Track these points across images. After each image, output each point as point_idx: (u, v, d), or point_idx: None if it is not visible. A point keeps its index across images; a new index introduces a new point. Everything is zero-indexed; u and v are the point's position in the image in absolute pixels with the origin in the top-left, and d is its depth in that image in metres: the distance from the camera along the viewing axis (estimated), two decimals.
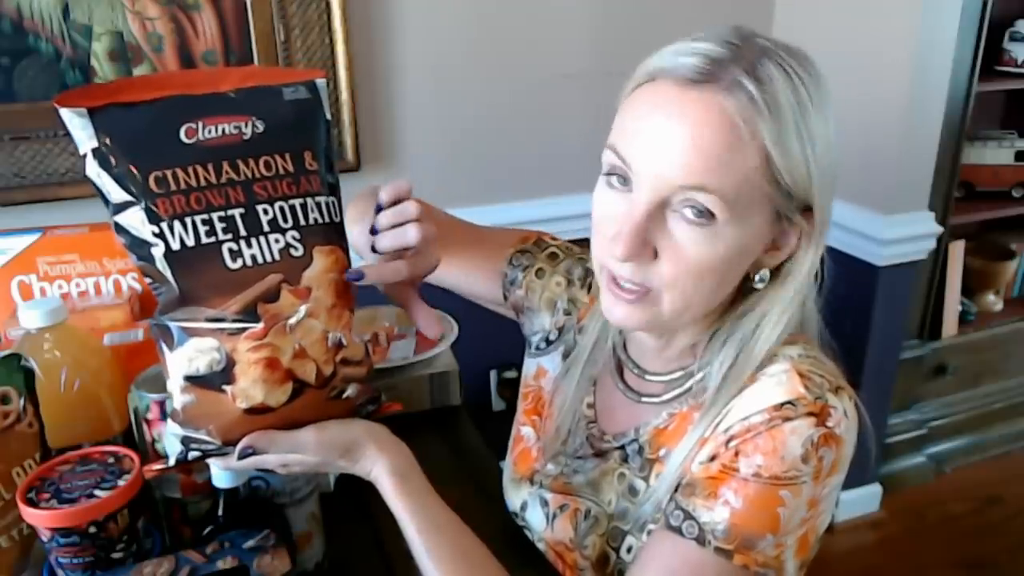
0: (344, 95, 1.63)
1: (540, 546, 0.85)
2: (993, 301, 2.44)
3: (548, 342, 0.91)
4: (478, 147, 1.82)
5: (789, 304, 0.71)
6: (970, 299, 2.38)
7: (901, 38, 1.73)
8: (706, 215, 0.63)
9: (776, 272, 0.71)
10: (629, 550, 0.75)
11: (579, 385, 0.84)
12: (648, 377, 0.79)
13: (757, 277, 0.71)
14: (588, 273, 0.91)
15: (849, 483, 2.14)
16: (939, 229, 1.93)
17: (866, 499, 2.19)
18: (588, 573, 0.79)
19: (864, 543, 2.10)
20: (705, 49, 0.63)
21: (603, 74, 1.76)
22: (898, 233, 1.84)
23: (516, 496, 0.89)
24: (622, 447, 0.79)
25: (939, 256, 2.14)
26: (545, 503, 0.85)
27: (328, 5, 1.57)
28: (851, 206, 1.87)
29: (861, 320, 1.94)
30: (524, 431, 0.91)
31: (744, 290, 0.72)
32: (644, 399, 0.79)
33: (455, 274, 0.96)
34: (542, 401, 0.91)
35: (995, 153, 2.28)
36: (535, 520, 0.86)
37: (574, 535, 0.81)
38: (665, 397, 0.77)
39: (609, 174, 0.68)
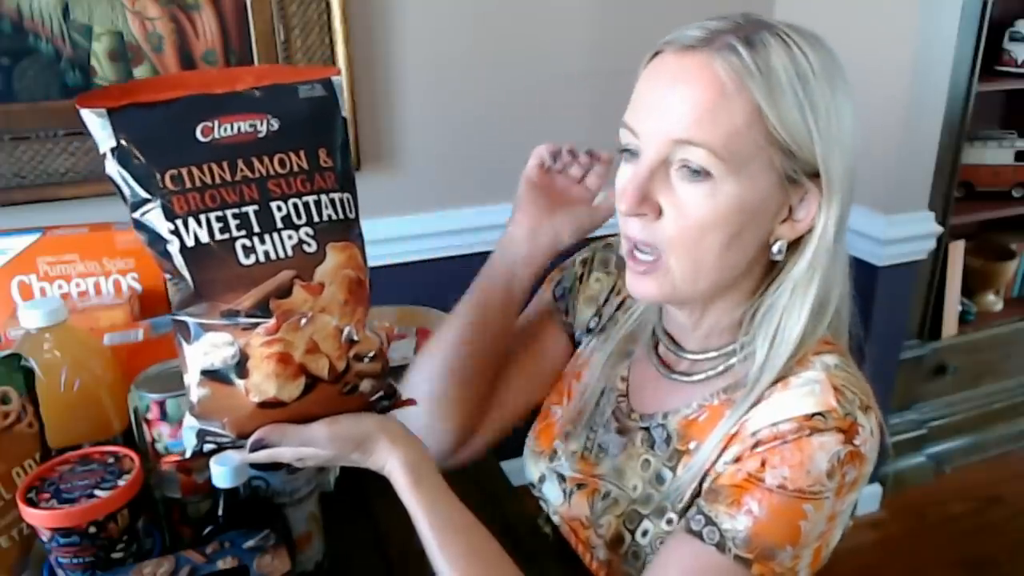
0: (344, 95, 1.63)
1: (555, 519, 0.86)
2: (993, 301, 2.44)
3: (589, 330, 0.92)
4: (478, 147, 1.82)
5: (808, 277, 0.71)
6: (970, 299, 2.38)
7: (901, 38, 1.73)
8: (702, 173, 0.66)
9: (798, 246, 0.72)
10: (644, 534, 0.76)
11: (614, 353, 0.86)
12: (683, 355, 0.80)
13: (775, 248, 0.72)
14: (619, 259, 0.91)
15: None
16: (939, 229, 1.93)
17: (866, 499, 2.19)
18: (601, 551, 0.79)
19: (864, 543, 2.10)
20: (708, 23, 0.68)
21: (603, 74, 1.76)
22: (898, 233, 1.84)
23: (535, 468, 0.90)
24: (647, 428, 0.80)
25: (939, 256, 2.14)
26: (563, 479, 0.86)
27: (328, 5, 1.57)
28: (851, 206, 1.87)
29: (861, 320, 1.94)
30: (553, 409, 0.91)
31: (772, 269, 0.74)
32: (675, 376, 0.80)
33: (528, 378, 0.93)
34: (575, 379, 0.91)
35: (995, 153, 2.28)
36: (552, 494, 0.87)
37: (589, 513, 0.81)
38: (697, 376, 0.78)
39: (623, 151, 0.72)
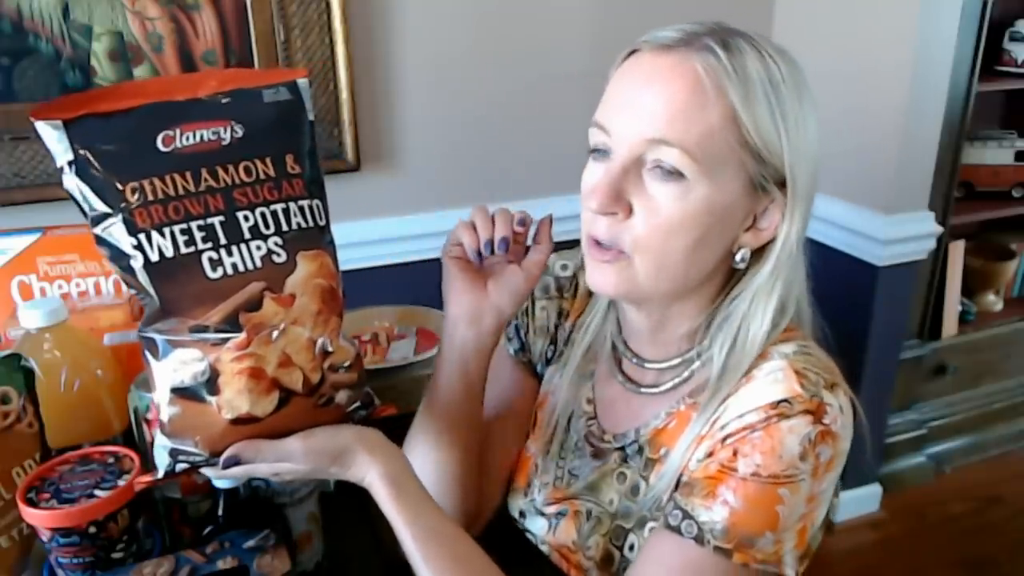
0: (344, 95, 1.63)
1: (543, 548, 0.85)
2: (993, 301, 2.43)
3: (548, 360, 0.91)
4: (478, 147, 1.82)
5: (770, 285, 0.72)
6: (970, 299, 2.38)
7: (901, 38, 1.73)
8: (675, 173, 0.66)
9: (760, 254, 0.73)
10: (632, 548, 0.76)
11: (576, 377, 0.85)
12: (647, 365, 0.80)
13: (738, 257, 0.72)
14: (559, 280, 0.91)
15: (849, 483, 2.14)
16: (939, 229, 1.92)
17: (866, 499, 2.19)
18: (593, 572, 0.79)
19: (864, 543, 2.10)
20: (684, 26, 0.69)
21: (603, 74, 1.76)
22: (898, 233, 1.84)
23: (514, 505, 0.90)
24: (621, 448, 0.80)
25: (939, 256, 2.14)
26: (542, 513, 0.85)
27: (328, 5, 1.56)
28: (851, 206, 1.87)
29: (861, 320, 1.94)
30: (527, 444, 0.90)
31: (733, 277, 0.74)
32: (644, 390, 0.79)
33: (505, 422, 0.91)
34: (540, 409, 0.91)
35: (995, 153, 2.28)
36: (536, 526, 0.86)
37: (577, 537, 0.81)
38: (664, 387, 0.78)
39: (593, 150, 0.73)
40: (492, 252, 0.77)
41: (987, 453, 2.40)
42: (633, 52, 0.71)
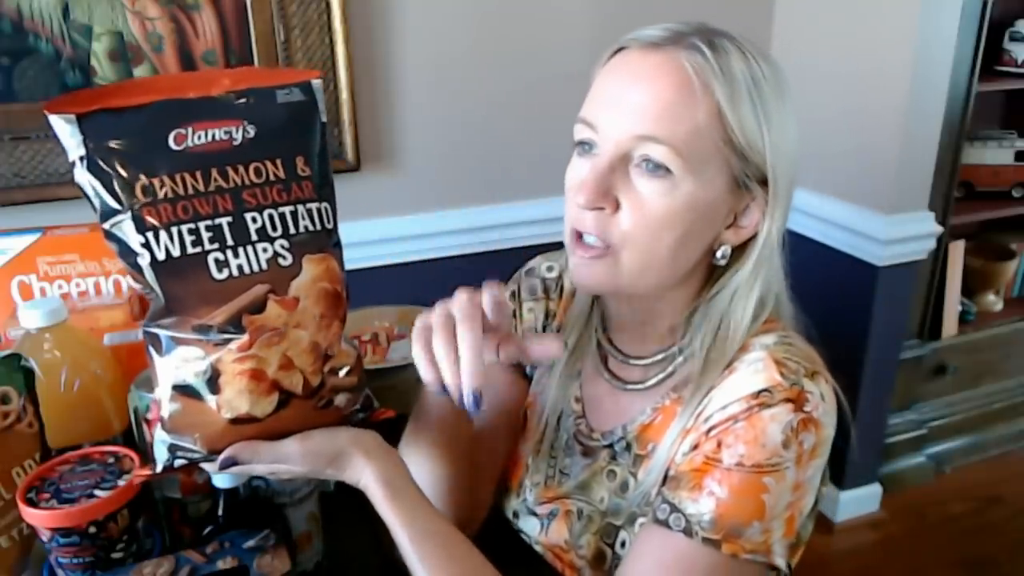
0: (344, 95, 1.63)
1: (537, 548, 0.86)
2: (993, 301, 2.43)
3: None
4: (478, 147, 1.82)
5: (751, 282, 0.73)
6: (970, 299, 2.38)
7: (901, 38, 1.73)
8: (662, 169, 0.67)
9: (741, 252, 0.74)
10: (623, 545, 0.76)
11: (564, 376, 0.85)
12: (632, 362, 0.80)
13: (719, 254, 0.73)
14: (545, 281, 0.91)
15: (849, 483, 2.14)
16: (939, 229, 1.93)
17: (866, 499, 2.19)
18: (587, 571, 0.79)
19: (864, 543, 2.10)
20: (670, 25, 0.70)
21: None
22: (898, 233, 1.84)
23: (507, 506, 0.90)
24: (610, 445, 0.80)
25: (939, 256, 2.14)
26: (534, 513, 0.86)
27: (328, 5, 1.57)
28: (851, 206, 1.87)
29: (861, 320, 1.94)
30: (521, 446, 0.91)
31: (714, 273, 0.75)
32: (629, 386, 0.80)
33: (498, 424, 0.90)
34: (530, 410, 0.91)
35: (995, 153, 2.28)
36: (529, 527, 0.86)
37: (569, 536, 0.81)
38: (649, 382, 0.78)
39: (579, 144, 0.73)
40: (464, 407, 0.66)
41: (987, 453, 2.40)
42: (620, 50, 0.72)
